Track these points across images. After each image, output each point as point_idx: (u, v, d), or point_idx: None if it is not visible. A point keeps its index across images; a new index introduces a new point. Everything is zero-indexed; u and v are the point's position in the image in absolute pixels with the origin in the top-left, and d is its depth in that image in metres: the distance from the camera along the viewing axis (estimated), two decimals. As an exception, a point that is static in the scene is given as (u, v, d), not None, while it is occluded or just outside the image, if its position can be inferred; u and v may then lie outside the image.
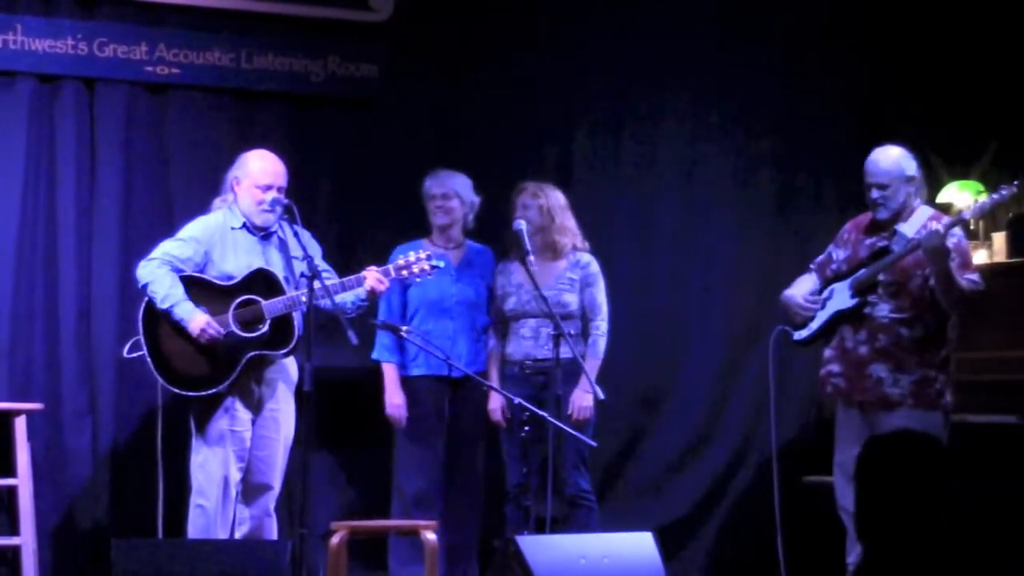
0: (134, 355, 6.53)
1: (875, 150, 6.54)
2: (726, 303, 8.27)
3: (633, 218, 8.23)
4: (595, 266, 7.20)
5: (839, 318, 6.49)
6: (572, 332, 6.98)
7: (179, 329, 6.43)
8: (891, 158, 6.48)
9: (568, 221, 7.21)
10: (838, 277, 6.55)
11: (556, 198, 7.20)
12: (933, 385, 6.37)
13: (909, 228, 6.36)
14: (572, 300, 7.10)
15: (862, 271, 6.44)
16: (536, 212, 7.14)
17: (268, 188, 6.56)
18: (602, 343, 7.12)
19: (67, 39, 7.29)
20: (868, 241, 6.52)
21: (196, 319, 6.40)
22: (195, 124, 7.55)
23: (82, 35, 7.31)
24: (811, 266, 6.78)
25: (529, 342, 7.07)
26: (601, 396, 6.85)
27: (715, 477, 8.19)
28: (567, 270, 7.15)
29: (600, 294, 7.17)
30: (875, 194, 6.48)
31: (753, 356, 7.86)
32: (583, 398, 6.96)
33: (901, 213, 6.46)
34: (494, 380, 7.10)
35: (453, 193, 7.20)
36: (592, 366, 7.02)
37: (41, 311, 7.27)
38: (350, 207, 7.76)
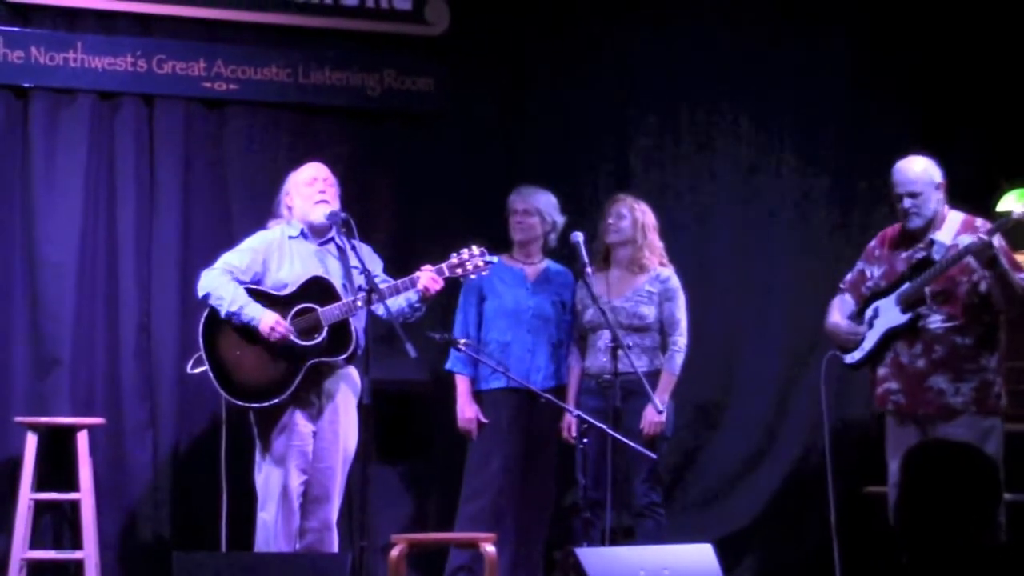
0: (197, 371, 6.54)
1: (900, 161, 6.46)
2: (784, 315, 8.24)
3: (691, 231, 8.18)
4: (675, 281, 7.11)
5: (892, 335, 6.41)
6: (648, 344, 6.97)
7: (241, 339, 6.43)
8: (920, 165, 6.41)
9: (657, 240, 7.15)
10: (876, 295, 6.45)
11: (650, 216, 7.15)
12: (993, 389, 6.30)
13: (945, 235, 6.28)
14: (649, 312, 7.03)
15: (907, 285, 6.33)
16: (630, 224, 7.09)
17: (314, 180, 6.60)
18: (679, 359, 7.04)
19: (126, 56, 7.36)
20: (904, 254, 6.43)
21: (266, 317, 6.38)
22: (253, 139, 7.60)
23: (141, 52, 7.39)
24: (842, 286, 6.66)
25: (605, 355, 6.96)
26: (660, 410, 6.82)
27: (774, 489, 8.15)
28: (647, 283, 7.06)
29: (679, 310, 7.08)
30: (907, 203, 6.38)
31: (811, 368, 7.77)
32: (656, 414, 6.89)
33: (933, 221, 6.40)
34: (571, 397, 7.07)
35: (534, 210, 7.17)
36: (667, 381, 6.98)
37: (102, 326, 7.33)
38: (408, 221, 7.78)
